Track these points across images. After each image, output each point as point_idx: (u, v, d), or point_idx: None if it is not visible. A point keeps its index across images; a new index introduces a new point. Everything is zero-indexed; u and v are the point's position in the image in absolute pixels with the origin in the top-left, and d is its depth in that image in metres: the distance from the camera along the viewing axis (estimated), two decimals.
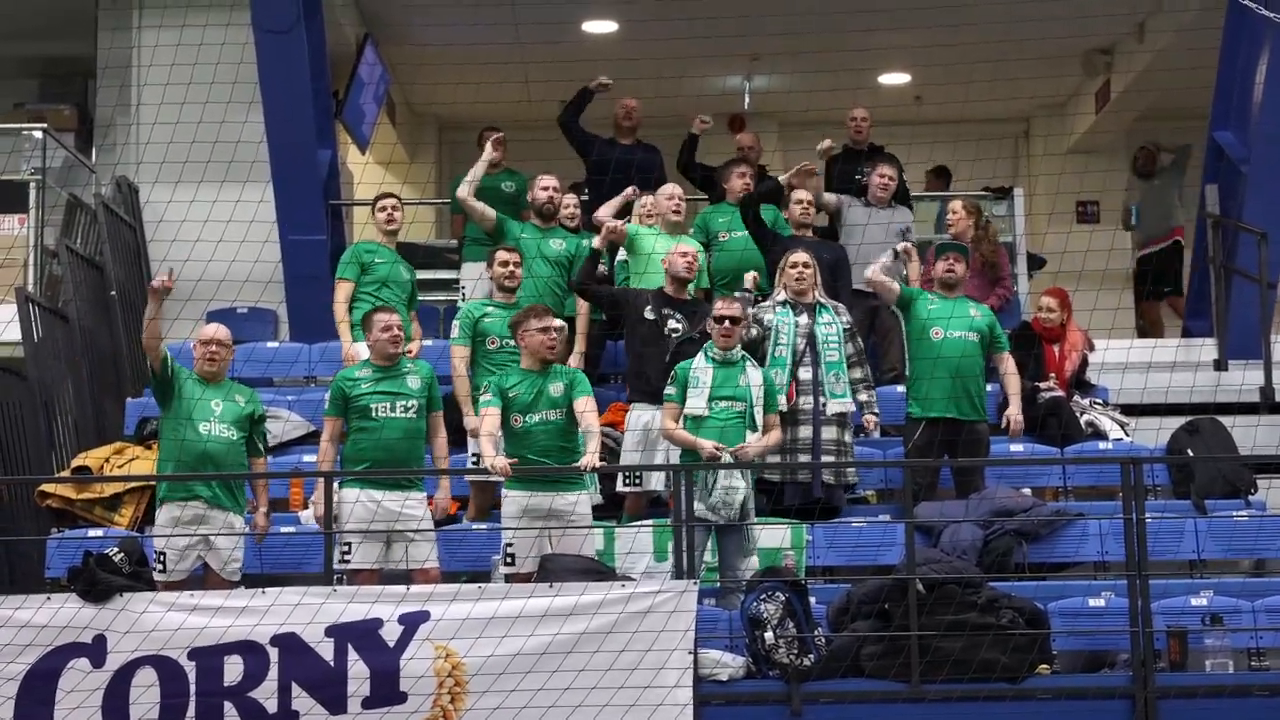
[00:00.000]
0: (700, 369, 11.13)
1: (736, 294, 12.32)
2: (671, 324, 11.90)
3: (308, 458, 12.62)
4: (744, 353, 11.29)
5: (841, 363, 11.89)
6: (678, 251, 12.21)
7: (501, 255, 12.27)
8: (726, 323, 11.16)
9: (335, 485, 10.78)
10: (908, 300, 12.20)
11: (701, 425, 11.02)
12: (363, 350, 12.16)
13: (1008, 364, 12.32)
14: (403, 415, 10.97)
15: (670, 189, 13.21)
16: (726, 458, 10.82)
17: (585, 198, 14.26)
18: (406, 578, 10.67)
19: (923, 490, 11.72)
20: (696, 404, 11.05)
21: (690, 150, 14.64)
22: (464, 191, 13.08)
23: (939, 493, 12.07)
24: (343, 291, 12.80)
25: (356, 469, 10.86)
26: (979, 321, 12.17)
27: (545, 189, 13.18)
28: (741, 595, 10.68)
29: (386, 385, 11.00)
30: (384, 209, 13.01)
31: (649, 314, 11.98)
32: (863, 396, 12.03)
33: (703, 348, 11.28)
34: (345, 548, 10.72)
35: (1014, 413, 12.26)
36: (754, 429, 11.07)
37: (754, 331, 11.83)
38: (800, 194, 13.33)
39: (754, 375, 11.19)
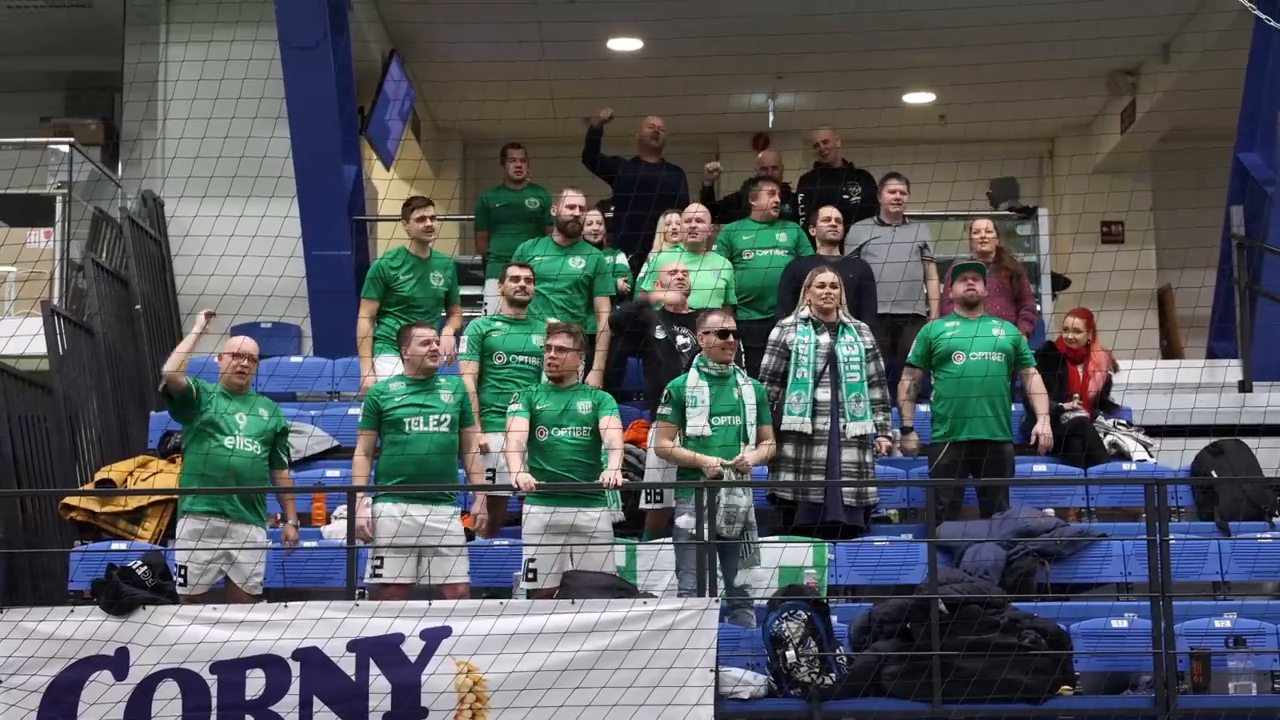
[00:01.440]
0: (696, 387, 11.08)
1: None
2: (680, 339, 11.95)
3: (331, 473, 12.66)
4: (735, 365, 11.24)
5: (863, 384, 11.86)
6: (666, 270, 12.28)
7: (513, 270, 12.23)
8: (730, 336, 11.14)
9: (369, 499, 10.81)
10: (927, 347, 12.21)
11: (705, 446, 11.00)
12: (385, 369, 12.15)
13: (1034, 381, 12.30)
14: (435, 429, 10.97)
15: (692, 211, 13.19)
16: (730, 474, 10.81)
17: (610, 215, 14.29)
18: (433, 592, 10.68)
19: (946, 510, 11.70)
20: (698, 424, 10.98)
21: (710, 195, 14.73)
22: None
23: (963, 512, 12.05)
24: (365, 311, 12.69)
25: (390, 483, 10.87)
26: (1003, 341, 12.15)
27: (571, 207, 13.10)
28: (751, 611, 10.68)
29: (420, 399, 11.01)
30: (422, 219, 12.77)
31: (659, 333, 12.01)
32: (879, 418, 12.00)
33: (694, 364, 11.25)
34: (377, 562, 10.73)
35: (1042, 429, 12.24)
36: (746, 440, 11.05)
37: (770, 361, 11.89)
38: (828, 211, 13.31)
39: (746, 389, 11.14)
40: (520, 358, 11.89)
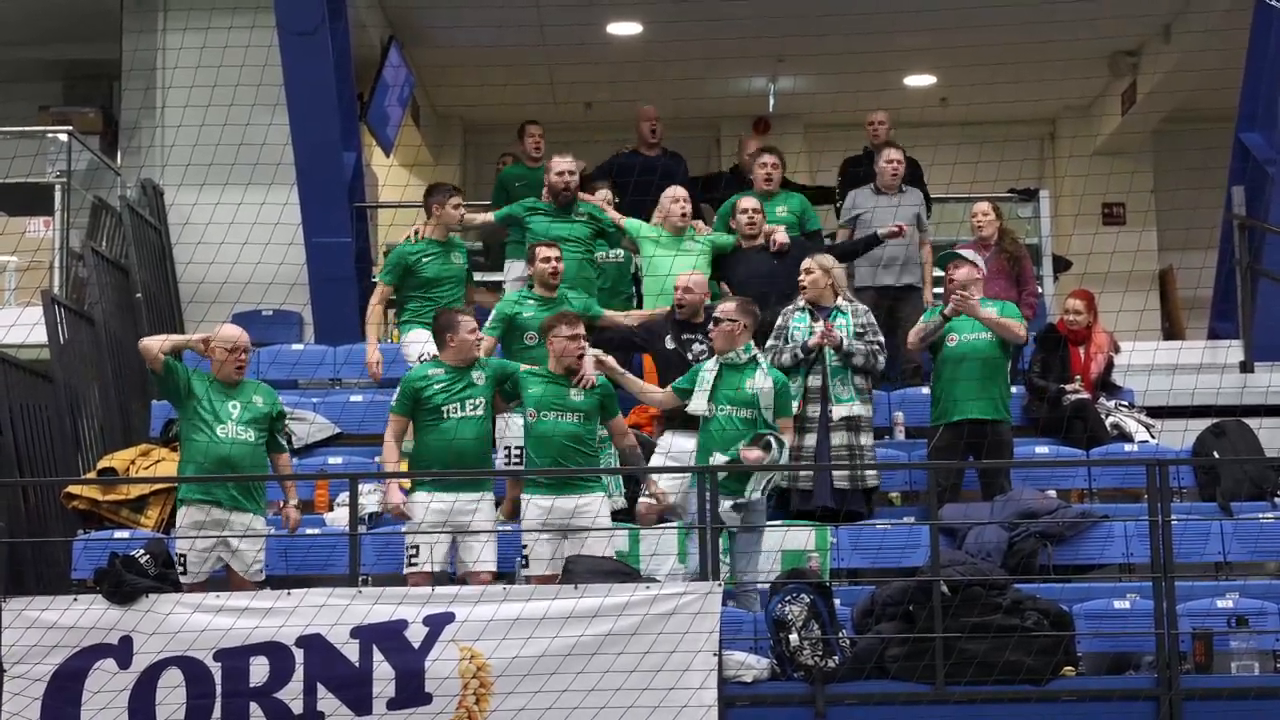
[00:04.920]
0: (708, 368, 11.11)
1: None
2: (696, 348, 11.89)
3: (333, 460, 12.66)
4: (756, 356, 11.23)
5: (846, 367, 11.83)
6: (682, 287, 12.10)
7: (543, 251, 12.17)
8: (711, 322, 11.12)
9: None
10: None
11: (706, 428, 11.02)
12: (414, 349, 12.05)
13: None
14: (472, 414, 10.90)
15: (674, 192, 13.09)
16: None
17: (616, 201, 14.26)
18: (461, 579, 10.75)
19: (946, 493, 11.69)
20: (698, 404, 11.03)
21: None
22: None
23: (963, 494, 12.05)
24: (377, 294, 12.64)
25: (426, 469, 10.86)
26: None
27: (560, 173, 12.93)
28: (756, 595, 10.69)
29: (458, 385, 10.94)
30: (458, 206, 12.69)
31: (670, 344, 11.96)
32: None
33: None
34: (413, 550, 10.72)
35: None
36: (766, 425, 10.98)
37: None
38: (745, 202, 13.17)
39: (763, 380, 11.07)
40: None
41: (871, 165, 14.40)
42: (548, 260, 12.11)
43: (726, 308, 11.22)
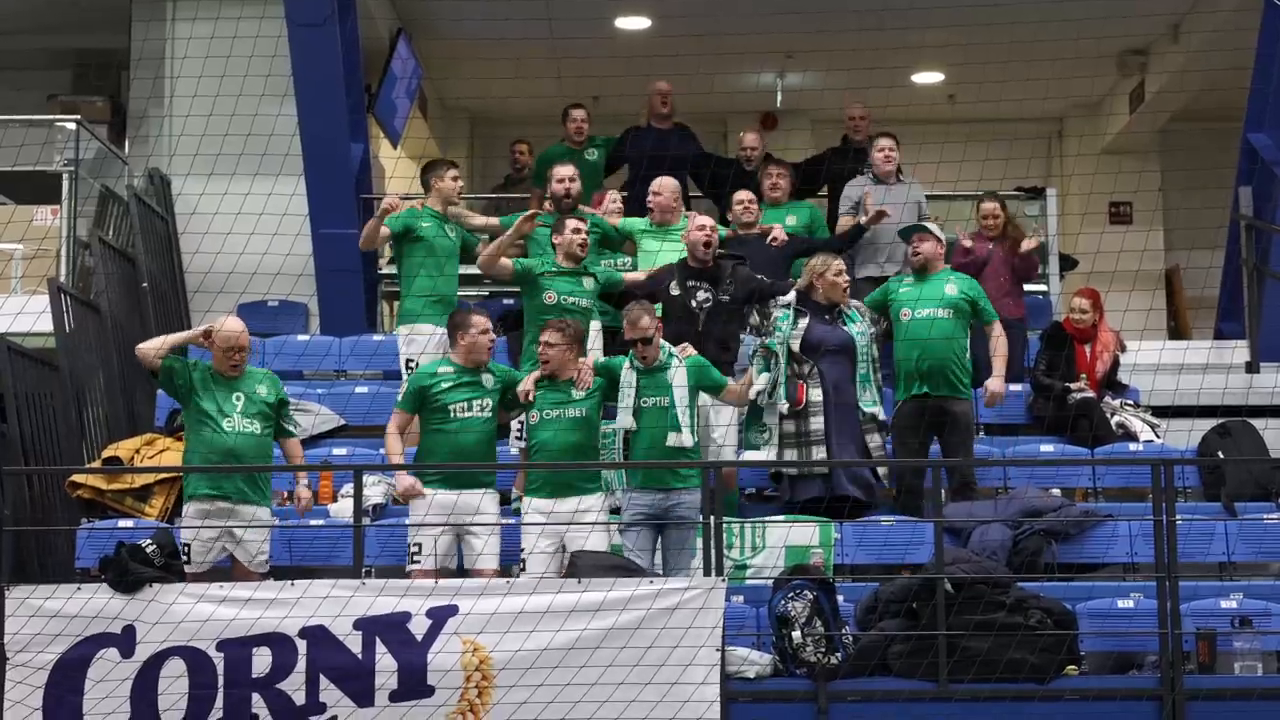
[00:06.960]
0: (627, 379, 11.04)
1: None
2: (700, 295, 11.90)
3: (337, 450, 12.66)
4: (671, 353, 11.14)
5: (870, 370, 11.86)
6: (694, 225, 12.19)
7: (573, 223, 12.16)
8: (639, 344, 11.05)
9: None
10: (884, 299, 12.23)
11: (635, 435, 10.98)
12: (423, 343, 12.08)
13: (994, 340, 12.21)
14: (479, 414, 10.95)
15: (655, 185, 13.12)
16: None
17: (625, 196, 14.24)
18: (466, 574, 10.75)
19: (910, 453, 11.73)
20: (625, 420, 10.99)
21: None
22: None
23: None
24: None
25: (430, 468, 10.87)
26: (954, 296, 12.04)
27: (560, 180, 13.03)
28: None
29: (467, 385, 10.97)
30: (456, 178, 12.76)
31: (674, 289, 11.95)
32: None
33: (628, 355, 11.18)
34: (415, 548, 10.72)
35: (992, 384, 12.13)
36: (676, 428, 10.90)
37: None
38: (741, 194, 13.28)
39: (678, 375, 11.02)
40: (570, 298, 11.90)
41: (849, 157, 14.46)
42: (579, 232, 12.12)
43: (647, 323, 11.04)
